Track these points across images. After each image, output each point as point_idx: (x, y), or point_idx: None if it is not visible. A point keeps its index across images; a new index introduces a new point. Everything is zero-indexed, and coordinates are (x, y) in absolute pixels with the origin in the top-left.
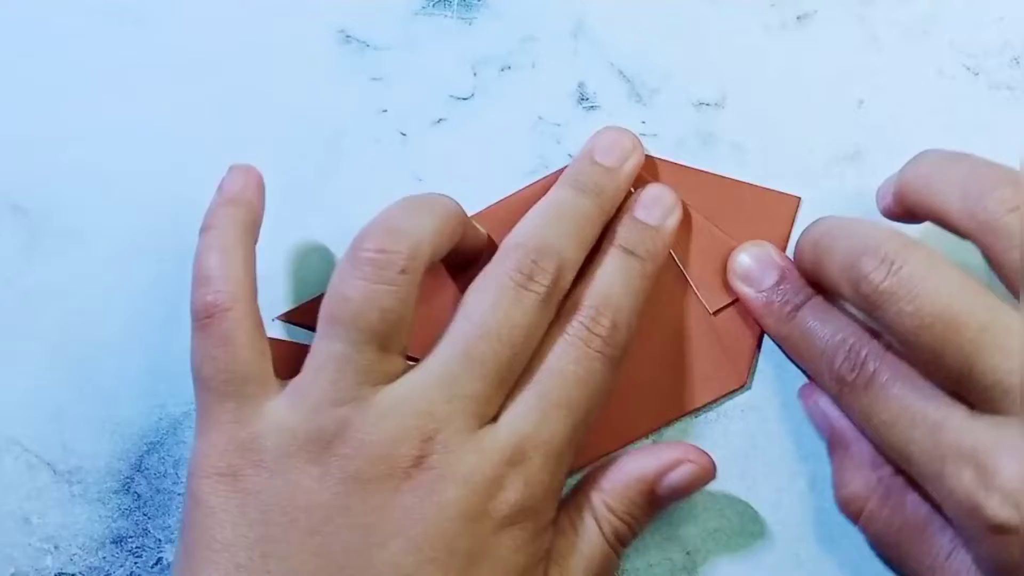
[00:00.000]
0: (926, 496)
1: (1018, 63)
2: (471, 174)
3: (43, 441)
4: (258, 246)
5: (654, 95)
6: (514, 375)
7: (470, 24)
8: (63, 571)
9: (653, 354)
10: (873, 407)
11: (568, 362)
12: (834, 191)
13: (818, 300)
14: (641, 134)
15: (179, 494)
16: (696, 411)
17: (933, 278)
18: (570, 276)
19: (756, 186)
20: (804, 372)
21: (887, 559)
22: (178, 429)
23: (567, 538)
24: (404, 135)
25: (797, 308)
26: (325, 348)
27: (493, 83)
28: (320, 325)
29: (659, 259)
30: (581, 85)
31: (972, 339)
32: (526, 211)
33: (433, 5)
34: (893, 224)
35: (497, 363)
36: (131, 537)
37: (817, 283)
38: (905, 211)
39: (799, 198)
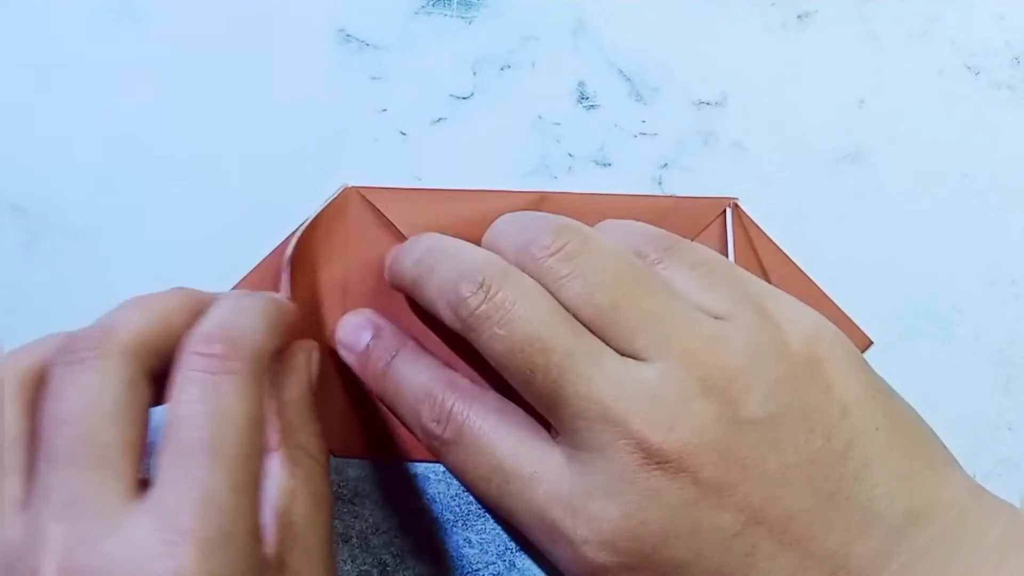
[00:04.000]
0: None
1: (1019, 62)
2: (471, 173)
3: None
4: (258, 247)
5: (654, 94)
6: (132, 451)
7: (470, 23)
8: None
9: None
10: (467, 463)
11: (191, 401)
12: (834, 191)
13: (410, 349)
14: (641, 133)
15: None
16: None
17: (525, 304)
18: (134, 336)
19: (681, 198)
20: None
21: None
22: None
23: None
24: (404, 135)
25: (389, 363)
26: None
27: (493, 82)
28: None
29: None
30: (581, 84)
31: (558, 363)
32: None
33: (433, 4)
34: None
35: (89, 445)
36: None
37: (415, 300)
38: None
39: (733, 200)
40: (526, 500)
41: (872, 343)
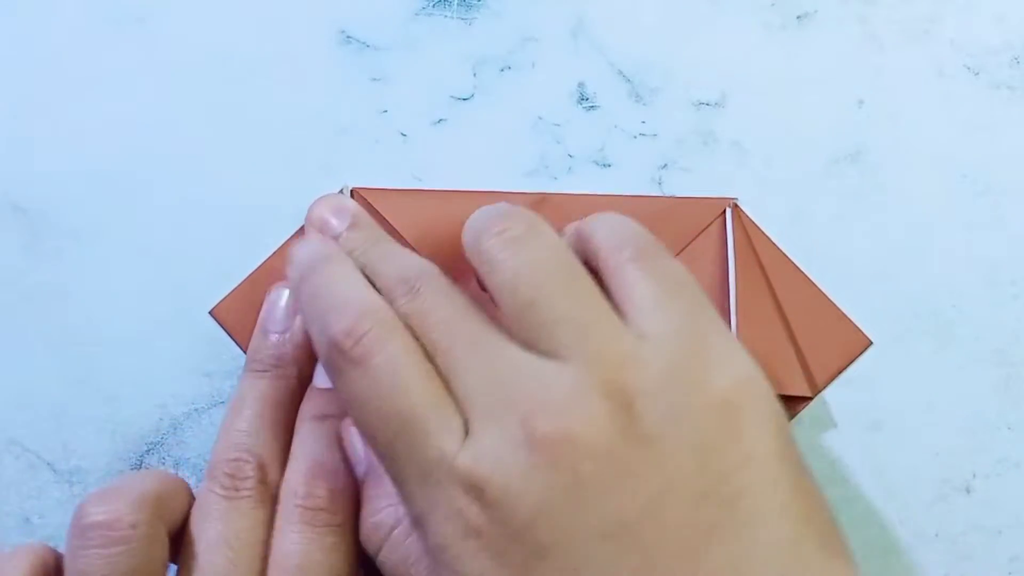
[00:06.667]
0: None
1: (1018, 63)
2: (471, 174)
3: (43, 441)
4: (259, 248)
5: (654, 95)
6: None
7: (470, 24)
8: None
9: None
10: (369, 394)
11: (301, 552)
12: (834, 191)
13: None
14: (641, 134)
15: None
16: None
17: (433, 300)
18: (275, 465)
19: (681, 198)
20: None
21: None
22: (178, 429)
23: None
24: (404, 135)
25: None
26: None
27: (493, 83)
28: None
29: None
30: (581, 85)
31: (456, 352)
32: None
33: (433, 5)
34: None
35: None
36: None
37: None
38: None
39: (732, 201)
40: (418, 452)
41: (872, 343)
